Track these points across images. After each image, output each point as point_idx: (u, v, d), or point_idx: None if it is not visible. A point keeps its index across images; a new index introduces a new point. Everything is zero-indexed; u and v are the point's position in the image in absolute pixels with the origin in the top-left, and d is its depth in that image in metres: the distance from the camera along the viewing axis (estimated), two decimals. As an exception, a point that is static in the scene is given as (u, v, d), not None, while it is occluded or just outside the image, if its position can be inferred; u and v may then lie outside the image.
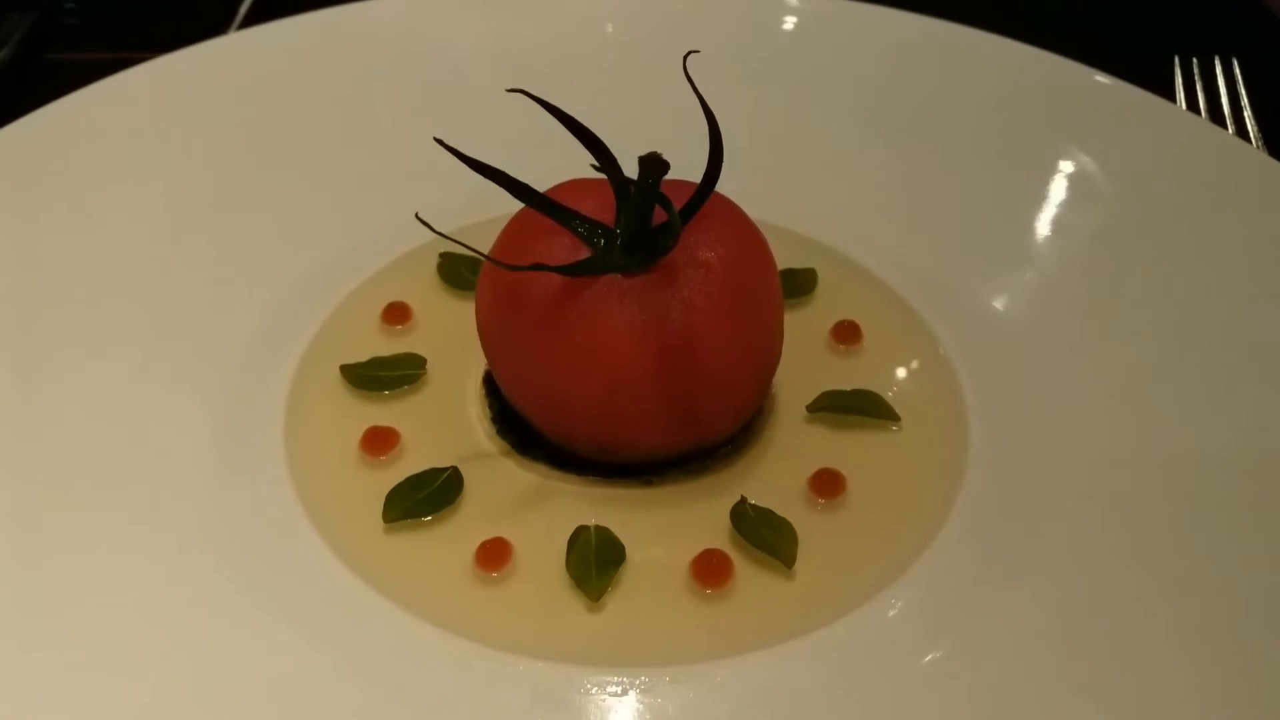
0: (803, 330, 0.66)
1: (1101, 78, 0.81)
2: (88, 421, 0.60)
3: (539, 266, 0.53)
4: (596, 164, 0.55)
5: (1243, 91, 0.86)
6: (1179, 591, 0.53)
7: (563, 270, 0.54)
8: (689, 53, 0.53)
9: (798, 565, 0.54)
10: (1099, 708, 0.48)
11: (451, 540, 0.56)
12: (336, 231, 0.72)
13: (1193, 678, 0.49)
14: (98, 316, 0.65)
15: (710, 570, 0.54)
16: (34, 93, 0.79)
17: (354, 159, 0.78)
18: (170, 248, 0.70)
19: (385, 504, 0.56)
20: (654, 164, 0.52)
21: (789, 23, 0.90)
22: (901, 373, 0.65)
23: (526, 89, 0.54)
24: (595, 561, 0.54)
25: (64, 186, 0.73)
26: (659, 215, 0.55)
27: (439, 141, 0.52)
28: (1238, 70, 0.88)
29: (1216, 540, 0.55)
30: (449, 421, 0.62)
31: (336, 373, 0.64)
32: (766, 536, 0.55)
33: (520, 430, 0.61)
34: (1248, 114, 0.84)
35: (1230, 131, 0.82)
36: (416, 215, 0.52)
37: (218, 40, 0.86)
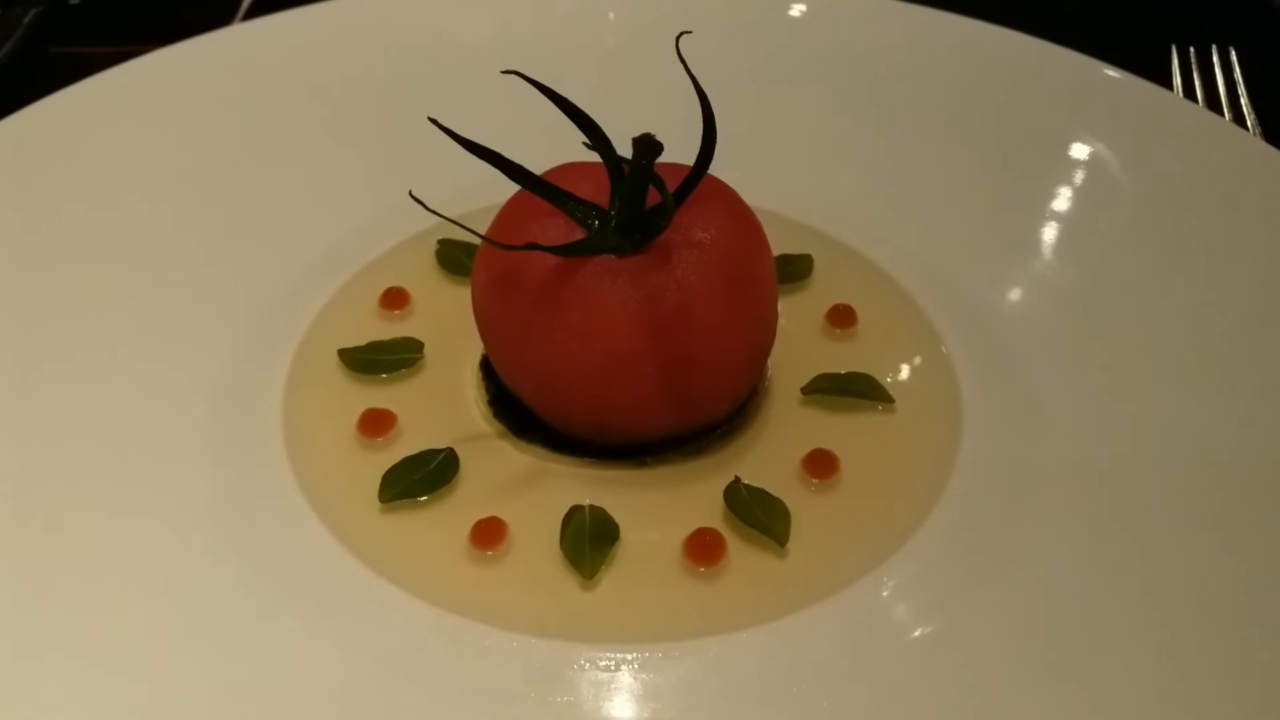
0: (798, 314, 0.67)
1: (1110, 71, 0.81)
2: (87, 405, 0.60)
3: (534, 246, 0.53)
4: (589, 143, 0.55)
5: (1240, 80, 0.86)
6: (1168, 575, 0.53)
7: (557, 250, 0.54)
8: (681, 33, 0.53)
9: (790, 544, 0.55)
10: (1086, 686, 0.49)
11: (447, 520, 0.56)
12: (336, 218, 0.73)
13: (1179, 660, 0.49)
14: (100, 302, 0.66)
15: (704, 549, 0.54)
16: (39, 85, 0.80)
17: (355, 147, 0.78)
18: (172, 234, 0.71)
19: (382, 484, 0.57)
20: (648, 145, 0.52)
21: (795, 10, 0.90)
22: (896, 356, 0.65)
23: (527, 75, 0.54)
24: (589, 540, 0.54)
25: (67, 176, 0.74)
26: (654, 197, 0.55)
27: (433, 121, 0.52)
28: (1234, 59, 0.88)
29: (1207, 526, 0.55)
30: (446, 404, 0.62)
31: (335, 356, 0.64)
32: (760, 516, 0.55)
33: (517, 413, 0.61)
34: (1245, 103, 0.84)
35: (1228, 119, 0.82)
36: (410, 193, 0.52)
37: (220, 32, 0.87)
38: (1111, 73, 0.81)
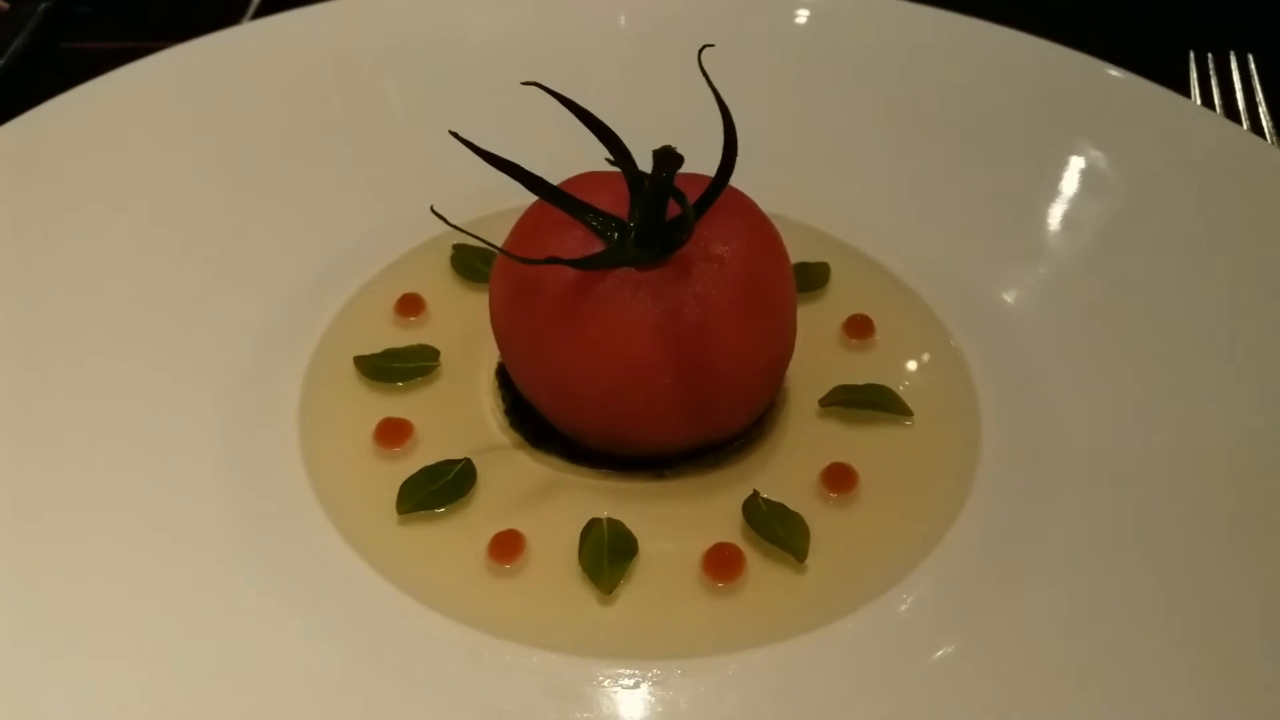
0: (815, 324, 0.66)
1: (1114, 71, 0.81)
2: (99, 413, 0.60)
3: (553, 260, 0.53)
4: (610, 158, 0.55)
5: (1258, 87, 0.86)
6: (1190, 588, 0.53)
7: (576, 264, 0.54)
8: (704, 46, 0.53)
9: (809, 559, 0.54)
10: (1108, 704, 0.48)
11: (465, 532, 0.56)
12: (350, 223, 0.72)
13: (1203, 674, 0.49)
14: (110, 308, 0.66)
15: (722, 564, 0.54)
16: (48, 82, 0.79)
17: (367, 151, 0.78)
18: (184, 239, 0.71)
19: (399, 495, 0.57)
20: (668, 157, 0.52)
21: (801, 16, 0.89)
22: (914, 367, 0.65)
23: (539, 82, 0.54)
24: (607, 554, 0.54)
25: (77, 176, 0.73)
26: (673, 209, 0.55)
27: (454, 134, 0.52)
28: (1253, 65, 0.88)
29: (1228, 537, 0.55)
30: (462, 413, 0.62)
31: (350, 364, 0.64)
32: (778, 530, 0.55)
33: (533, 423, 0.61)
34: (1263, 109, 0.84)
35: (1245, 127, 0.81)
36: (431, 208, 0.52)
37: (231, 30, 0.86)
38: (1128, 79, 0.80)
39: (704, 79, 0.53)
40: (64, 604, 0.51)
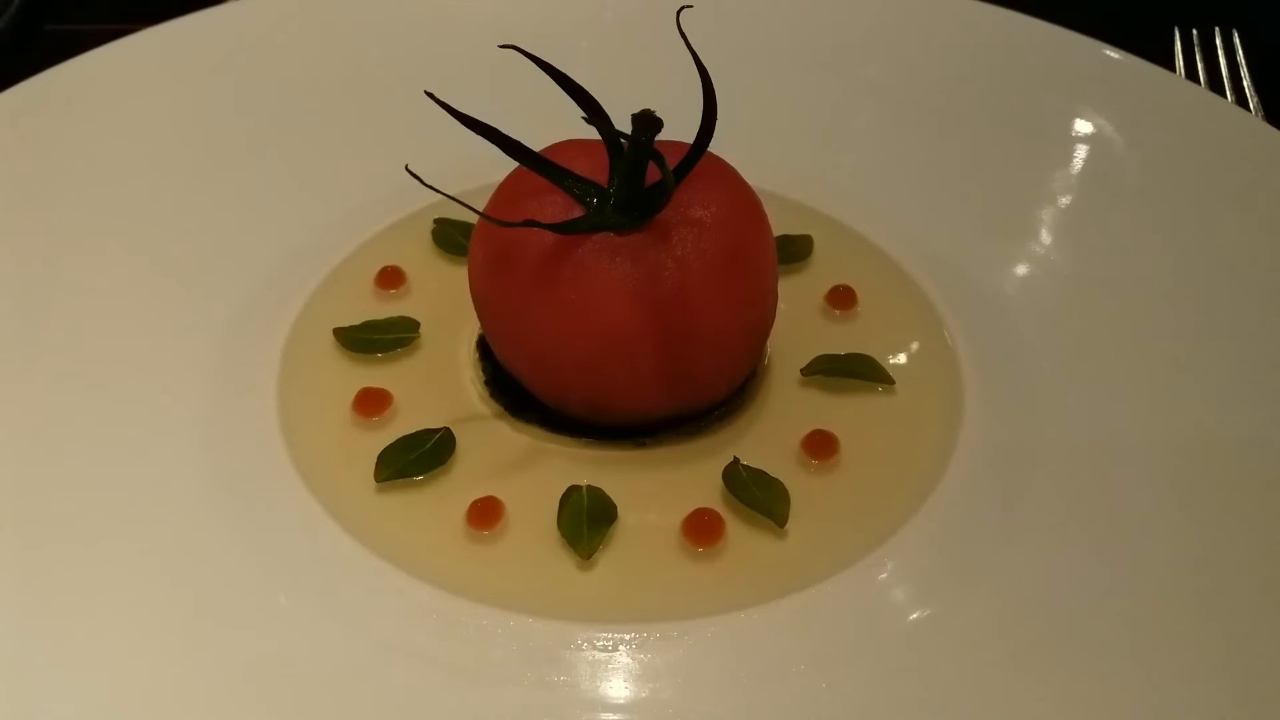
0: (798, 295, 0.66)
1: (1110, 51, 0.81)
2: (79, 385, 0.60)
3: (532, 223, 0.53)
4: (587, 117, 0.54)
5: (1242, 62, 0.86)
6: (1167, 558, 0.52)
7: (555, 228, 0.53)
8: (682, 8, 0.53)
9: (789, 525, 0.54)
10: (1084, 669, 0.48)
11: (443, 500, 0.56)
12: (331, 197, 0.72)
13: (1179, 644, 0.49)
14: (92, 281, 0.65)
15: (702, 529, 0.54)
16: (33, 63, 0.79)
17: (350, 125, 0.78)
18: (166, 213, 0.70)
19: (377, 464, 0.56)
20: (647, 121, 0.52)
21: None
22: (896, 337, 0.65)
23: (525, 50, 0.53)
24: (587, 520, 0.54)
25: (59, 153, 0.73)
26: (652, 176, 0.55)
27: (430, 95, 0.52)
28: (1237, 41, 0.88)
29: (1207, 509, 0.55)
30: (442, 384, 0.62)
31: (330, 336, 0.63)
32: (759, 496, 0.55)
33: (513, 393, 0.60)
34: (1247, 85, 0.84)
35: (1230, 102, 0.81)
36: (406, 168, 0.52)
37: (213, 9, 0.86)
38: (1111, 53, 0.81)
39: (684, 41, 0.53)
40: (39, 577, 0.51)
